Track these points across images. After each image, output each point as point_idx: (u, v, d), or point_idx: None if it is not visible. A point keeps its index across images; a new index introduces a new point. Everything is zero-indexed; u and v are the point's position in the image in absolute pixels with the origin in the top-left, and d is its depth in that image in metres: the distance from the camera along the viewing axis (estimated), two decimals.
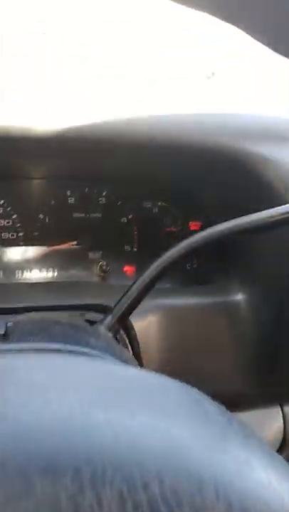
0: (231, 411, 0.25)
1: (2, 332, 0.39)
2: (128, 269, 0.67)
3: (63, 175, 0.62)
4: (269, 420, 0.63)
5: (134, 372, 0.26)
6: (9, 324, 0.40)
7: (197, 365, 0.57)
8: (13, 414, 0.18)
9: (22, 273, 0.64)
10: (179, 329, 0.58)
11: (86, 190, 0.64)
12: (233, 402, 0.60)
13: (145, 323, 0.56)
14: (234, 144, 0.57)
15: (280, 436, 0.61)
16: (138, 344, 0.54)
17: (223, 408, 0.23)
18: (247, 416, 0.61)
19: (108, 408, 0.20)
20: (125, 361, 0.38)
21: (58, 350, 0.34)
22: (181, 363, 0.57)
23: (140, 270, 0.68)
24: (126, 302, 0.44)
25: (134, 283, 0.44)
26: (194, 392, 0.24)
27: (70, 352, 0.34)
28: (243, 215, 0.58)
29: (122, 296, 0.44)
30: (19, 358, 0.27)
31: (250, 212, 0.48)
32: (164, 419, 0.20)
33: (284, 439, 0.61)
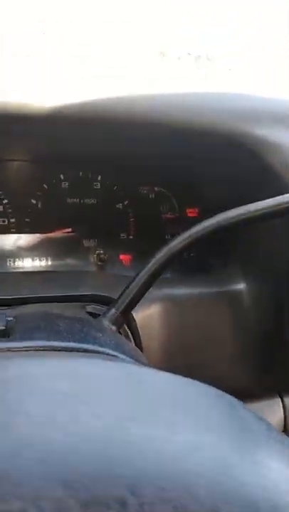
0: None
1: (2, 327, 0.35)
2: (124, 257, 0.65)
3: (56, 157, 0.60)
4: (269, 412, 0.61)
5: (163, 376, 0.24)
6: (9, 318, 0.37)
7: (198, 356, 0.55)
8: (40, 434, 0.16)
9: (14, 262, 0.61)
10: (179, 320, 0.55)
11: (80, 174, 0.62)
12: (235, 393, 0.58)
13: (145, 314, 0.53)
14: (237, 125, 0.54)
15: (281, 427, 0.59)
16: (139, 336, 0.52)
17: (257, 414, 0.21)
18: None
19: (147, 422, 0.17)
20: (139, 360, 0.36)
21: (71, 350, 0.32)
22: (183, 354, 0.54)
23: (137, 259, 0.66)
24: (129, 294, 0.42)
25: (137, 274, 0.42)
26: (227, 397, 0.22)
27: (83, 351, 0.32)
28: (243, 202, 0.55)
29: (126, 288, 0.42)
30: (32, 360, 0.24)
31: (252, 199, 0.45)
32: (208, 433, 0.18)
33: (284, 430, 0.59)
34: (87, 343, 0.34)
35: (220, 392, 0.23)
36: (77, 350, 0.32)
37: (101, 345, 0.34)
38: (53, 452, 0.15)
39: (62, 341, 0.33)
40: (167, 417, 0.19)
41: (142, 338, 0.52)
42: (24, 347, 0.31)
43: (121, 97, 0.52)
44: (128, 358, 0.34)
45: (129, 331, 0.51)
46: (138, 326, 0.52)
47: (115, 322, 0.42)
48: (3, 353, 0.30)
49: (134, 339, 0.51)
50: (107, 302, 0.51)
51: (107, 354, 0.33)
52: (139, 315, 0.53)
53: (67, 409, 0.18)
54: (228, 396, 0.23)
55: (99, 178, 0.63)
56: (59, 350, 0.32)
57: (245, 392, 0.59)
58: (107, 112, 0.51)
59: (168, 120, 0.52)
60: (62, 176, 0.61)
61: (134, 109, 0.54)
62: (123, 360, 0.32)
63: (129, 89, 0.62)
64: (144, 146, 0.58)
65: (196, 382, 0.23)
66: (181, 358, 0.55)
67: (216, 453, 0.16)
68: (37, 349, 0.32)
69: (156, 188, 0.65)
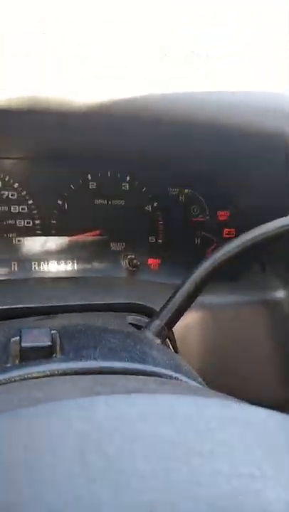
0: None
1: (47, 342, 0.32)
2: (153, 262, 0.62)
3: (85, 155, 0.57)
4: None
5: (262, 414, 0.22)
6: (53, 332, 0.34)
7: (237, 367, 0.52)
8: (163, 501, 0.14)
9: (39, 265, 0.58)
10: (217, 329, 0.53)
11: (108, 174, 0.59)
12: (273, 404, 0.55)
13: (182, 324, 0.50)
14: (277, 125, 0.52)
15: None
16: (177, 347, 0.49)
17: None
18: None
19: (274, 480, 0.16)
20: (199, 381, 0.34)
21: (133, 372, 0.29)
22: (220, 365, 0.52)
23: (165, 263, 0.63)
24: (175, 305, 0.40)
25: (183, 283, 0.40)
26: None
27: (146, 374, 0.29)
28: (280, 205, 0.52)
29: (170, 298, 0.40)
30: (116, 397, 0.21)
31: None
32: None
33: None
34: (147, 363, 0.31)
35: None
36: (140, 372, 0.29)
37: (162, 366, 0.32)
38: None
39: (121, 361, 0.30)
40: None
41: (179, 351, 0.50)
42: (87, 368, 0.28)
43: (159, 94, 0.49)
44: (191, 381, 0.32)
45: (169, 343, 0.48)
46: (176, 337, 0.49)
47: (159, 334, 0.40)
48: (60, 378, 0.27)
49: (174, 351, 0.49)
50: (143, 312, 0.48)
51: (170, 377, 0.30)
52: (176, 324, 0.50)
53: (183, 465, 0.16)
54: None
55: (127, 178, 0.60)
56: (118, 373, 0.29)
57: (282, 404, 0.57)
58: (144, 110, 0.48)
59: (206, 119, 0.50)
60: (89, 176, 0.58)
61: (172, 108, 0.51)
62: (196, 387, 0.29)
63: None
64: (178, 146, 0.55)
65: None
66: (219, 369, 0.52)
67: None
68: (96, 371, 0.29)
69: (186, 190, 0.62)
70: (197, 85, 0.54)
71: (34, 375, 0.28)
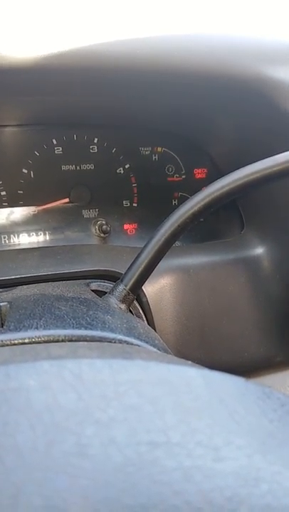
0: (254, 375, 0.19)
1: None
2: (128, 227, 0.59)
3: (47, 119, 0.54)
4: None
5: (194, 373, 0.20)
6: (2, 304, 0.33)
7: (216, 329, 0.50)
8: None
9: (9, 238, 0.56)
10: (194, 291, 0.50)
11: (75, 137, 0.56)
12: (254, 364, 0.54)
13: (156, 288, 0.48)
14: (252, 68, 0.48)
15: None
16: (151, 312, 0.47)
17: None
18: (269, 378, 0.55)
19: (187, 446, 0.15)
20: (154, 343, 0.32)
21: (76, 339, 0.28)
22: (199, 328, 0.50)
23: (143, 228, 0.60)
24: (138, 268, 0.37)
25: (145, 245, 0.37)
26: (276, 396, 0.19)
27: (90, 339, 0.28)
28: (259, 159, 0.49)
29: (134, 261, 0.37)
30: (22, 364, 0.20)
31: (268, 154, 0.40)
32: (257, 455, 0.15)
33: None
34: (95, 328, 0.29)
35: (265, 387, 0.19)
36: (84, 338, 0.28)
37: (112, 330, 0.30)
38: None
39: (65, 328, 0.29)
40: (212, 439, 0.15)
41: (153, 314, 0.48)
42: (19, 339, 0.27)
43: (119, 40, 0.45)
44: (143, 343, 0.30)
45: (140, 308, 0.46)
46: (149, 301, 0.47)
47: (124, 300, 0.37)
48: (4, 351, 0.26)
49: (145, 316, 0.47)
50: (113, 278, 0.46)
51: (119, 341, 0.28)
52: (149, 289, 0.48)
53: (72, 436, 0.14)
54: (277, 394, 0.19)
55: (95, 140, 0.56)
56: (61, 341, 0.27)
57: (265, 363, 0.55)
58: (103, 59, 0.44)
59: (174, 64, 0.46)
60: (54, 141, 0.55)
61: (135, 53, 0.47)
62: (138, 349, 0.27)
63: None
64: (146, 97, 0.51)
65: (229, 377, 0.20)
66: (198, 332, 0.50)
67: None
68: (34, 341, 0.27)
69: (159, 149, 0.59)
70: (165, 29, 0.50)
71: None
